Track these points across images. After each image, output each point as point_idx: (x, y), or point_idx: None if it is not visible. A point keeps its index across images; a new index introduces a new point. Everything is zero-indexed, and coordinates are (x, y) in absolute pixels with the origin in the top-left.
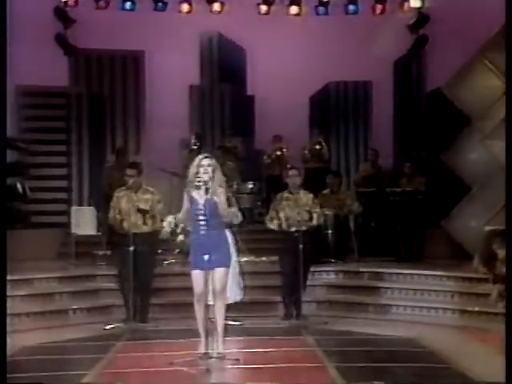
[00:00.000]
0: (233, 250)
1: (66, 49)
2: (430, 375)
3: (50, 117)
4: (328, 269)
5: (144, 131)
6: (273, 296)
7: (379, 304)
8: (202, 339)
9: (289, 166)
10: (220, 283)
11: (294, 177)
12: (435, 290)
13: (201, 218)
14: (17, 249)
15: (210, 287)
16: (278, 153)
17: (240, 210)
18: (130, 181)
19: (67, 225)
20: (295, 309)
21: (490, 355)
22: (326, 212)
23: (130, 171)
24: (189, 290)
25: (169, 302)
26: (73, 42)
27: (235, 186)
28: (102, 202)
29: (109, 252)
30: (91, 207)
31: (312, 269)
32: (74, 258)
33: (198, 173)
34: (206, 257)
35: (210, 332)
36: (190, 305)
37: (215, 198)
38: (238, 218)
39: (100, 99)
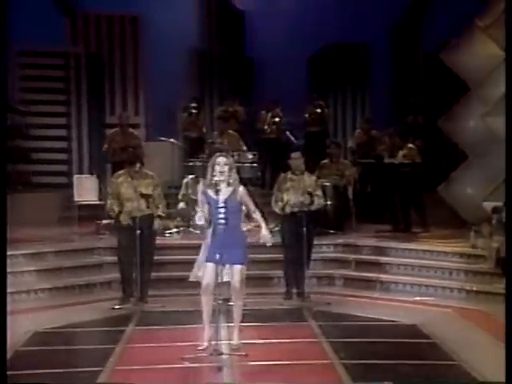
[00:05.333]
0: None
1: (64, 10)
2: (435, 372)
3: (49, 77)
4: (327, 242)
5: (143, 92)
6: (273, 271)
7: (379, 280)
8: (206, 329)
9: (287, 132)
10: (237, 280)
11: (296, 159)
12: (433, 267)
13: (218, 216)
14: (18, 213)
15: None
16: (276, 119)
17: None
18: (134, 169)
19: (67, 186)
20: (297, 288)
21: (493, 346)
22: (326, 183)
23: (138, 168)
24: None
25: (172, 277)
26: (71, 4)
27: (236, 157)
28: (103, 168)
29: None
30: (93, 175)
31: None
32: (76, 224)
33: (214, 171)
34: (218, 256)
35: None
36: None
37: (233, 196)
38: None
39: (99, 60)
